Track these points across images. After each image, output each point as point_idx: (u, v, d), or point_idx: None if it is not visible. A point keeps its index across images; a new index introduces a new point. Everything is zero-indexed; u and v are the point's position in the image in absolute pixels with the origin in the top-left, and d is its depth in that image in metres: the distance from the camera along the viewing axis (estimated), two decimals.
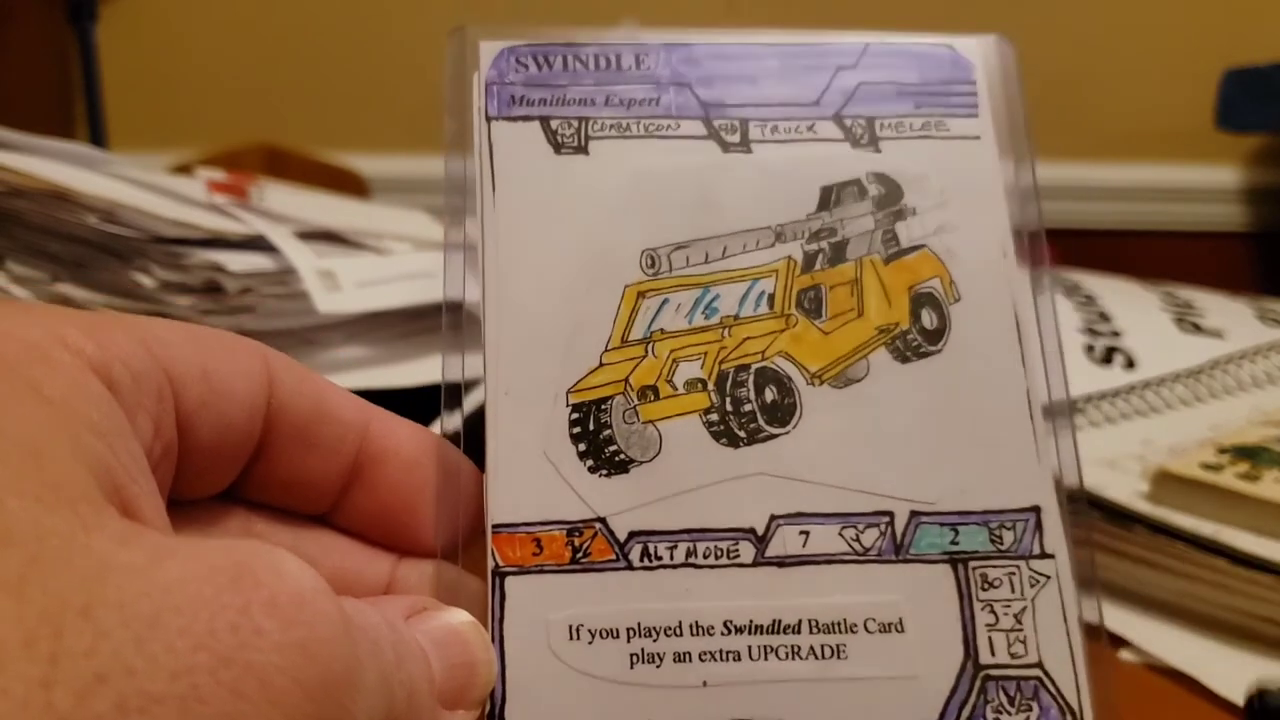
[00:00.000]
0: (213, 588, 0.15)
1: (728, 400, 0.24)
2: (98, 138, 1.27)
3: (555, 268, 0.25)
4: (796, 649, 0.23)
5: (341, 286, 0.51)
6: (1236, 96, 1.20)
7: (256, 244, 0.51)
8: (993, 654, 0.23)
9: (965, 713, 0.22)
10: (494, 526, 0.23)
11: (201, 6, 1.39)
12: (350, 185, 1.07)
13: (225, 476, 0.22)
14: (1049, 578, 0.23)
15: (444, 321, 0.24)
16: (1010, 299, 0.25)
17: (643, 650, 0.22)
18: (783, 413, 0.24)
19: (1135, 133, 1.32)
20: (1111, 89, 1.31)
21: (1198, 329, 0.56)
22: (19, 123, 0.53)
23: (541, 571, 0.23)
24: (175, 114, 1.37)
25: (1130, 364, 0.52)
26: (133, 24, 1.36)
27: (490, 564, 0.23)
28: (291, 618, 0.16)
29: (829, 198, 0.26)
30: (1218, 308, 0.60)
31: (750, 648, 0.22)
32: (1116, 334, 0.55)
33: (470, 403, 0.24)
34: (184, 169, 0.76)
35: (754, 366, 0.24)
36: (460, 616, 0.21)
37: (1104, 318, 0.57)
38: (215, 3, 1.39)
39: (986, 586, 0.23)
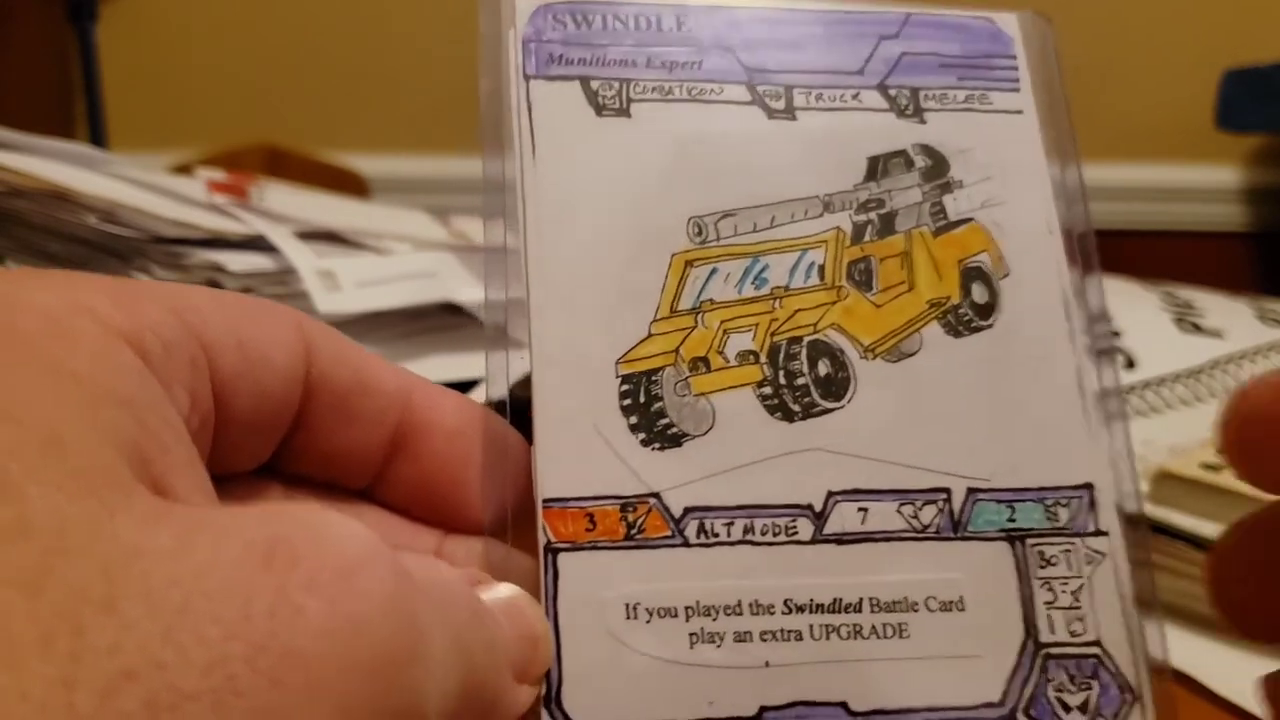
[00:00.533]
0: (247, 567, 0.14)
1: (781, 373, 0.23)
2: (98, 138, 1.27)
3: (600, 234, 0.24)
4: (858, 628, 0.22)
5: (341, 286, 0.51)
6: (1236, 96, 1.20)
7: (256, 244, 0.51)
8: (1052, 632, 0.23)
9: (1027, 691, 0.22)
10: (545, 501, 0.22)
11: (201, 6, 1.38)
12: (350, 185, 1.07)
13: (263, 449, 0.21)
14: (1104, 555, 0.23)
15: (486, 289, 0.23)
16: (1057, 275, 0.25)
17: (702, 630, 0.22)
18: (836, 387, 0.24)
19: (1135, 133, 1.32)
20: (1111, 89, 1.31)
21: (1198, 329, 0.56)
22: (19, 123, 0.53)
23: (595, 548, 0.22)
24: (175, 114, 1.37)
25: (1130, 364, 0.52)
26: (133, 24, 1.36)
27: (542, 540, 0.22)
28: (336, 593, 0.14)
29: (876, 168, 0.25)
30: (1218, 308, 0.60)
31: (812, 627, 0.22)
32: (1116, 334, 0.55)
33: (513, 374, 0.23)
34: (184, 169, 0.76)
35: (806, 339, 0.24)
36: (515, 589, 0.21)
37: None
38: (215, 3, 1.39)
39: (1044, 564, 0.23)
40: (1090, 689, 0.22)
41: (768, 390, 0.23)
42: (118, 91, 1.32)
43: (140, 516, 0.14)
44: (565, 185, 0.24)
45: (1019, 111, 0.26)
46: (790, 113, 0.25)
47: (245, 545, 0.14)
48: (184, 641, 0.13)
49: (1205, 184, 1.37)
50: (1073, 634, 0.23)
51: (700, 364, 0.23)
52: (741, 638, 0.22)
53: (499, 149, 0.24)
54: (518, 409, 0.23)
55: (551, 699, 0.21)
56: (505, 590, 0.20)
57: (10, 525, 0.13)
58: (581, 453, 0.22)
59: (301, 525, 0.15)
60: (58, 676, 0.12)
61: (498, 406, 0.23)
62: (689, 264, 0.24)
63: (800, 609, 0.22)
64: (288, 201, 0.62)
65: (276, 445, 0.22)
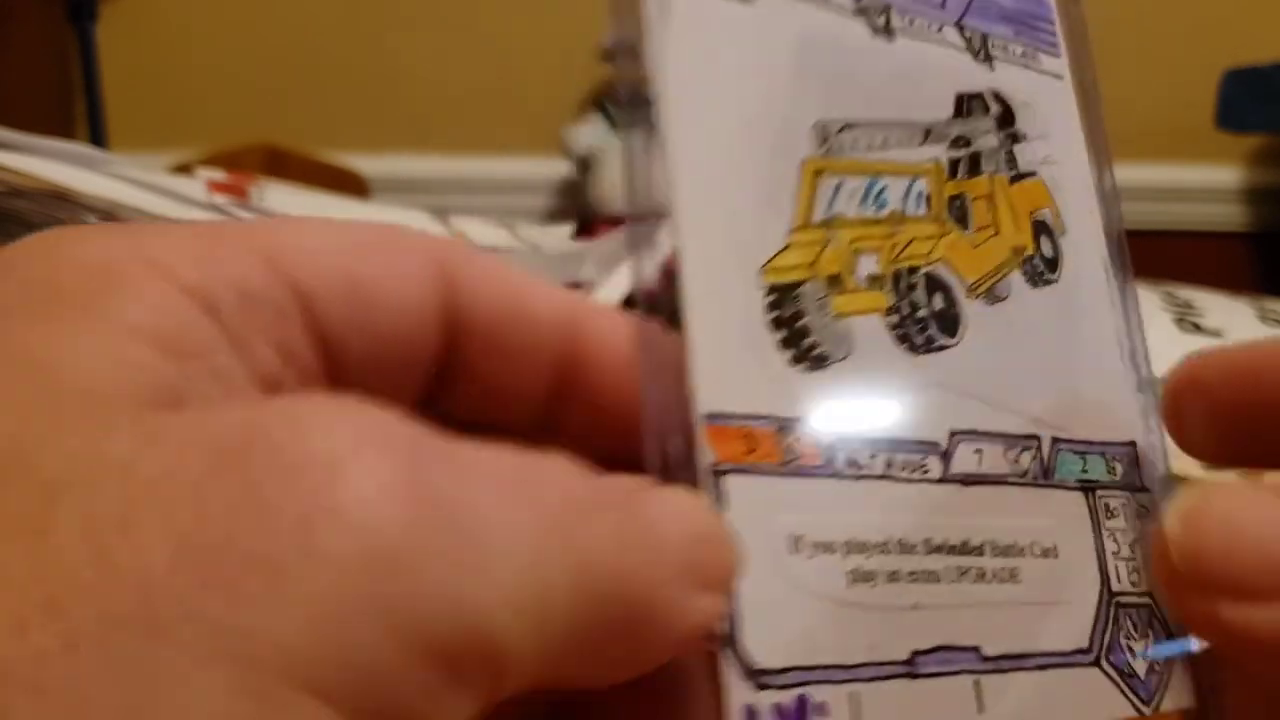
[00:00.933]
0: (210, 468, 0.12)
1: (905, 302, 0.22)
2: (98, 137, 1.27)
3: (737, 130, 0.21)
4: (982, 572, 0.21)
5: None
6: (1237, 96, 1.20)
7: None
8: (1119, 580, 0.23)
9: (1106, 638, 0.22)
10: (706, 416, 0.19)
11: (201, 6, 1.38)
12: (350, 185, 1.07)
13: (401, 394, 0.18)
14: (1149, 510, 0.24)
15: (627, 189, 0.20)
16: (1100, 241, 0.25)
17: (858, 568, 0.20)
18: (949, 323, 0.23)
19: (1135, 133, 1.32)
20: (1111, 89, 1.31)
21: (1198, 329, 0.56)
22: (19, 122, 0.53)
23: (758, 472, 0.19)
24: (175, 114, 1.37)
25: None
26: (133, 23, 1.36)
27: (706, 459, 0.19)
28: (318, 483, 0.12)
29: (962, 106, 0.25)
30: (1218, 308, 0.60)
31: (947, 568, 0.21)
32: None
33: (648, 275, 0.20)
34: (184, 169, 0.76)
35: (922, 269, 0.23)
36: (680, 490, 0.17)
37: None
38: (215, 2, 1.39)
39: (1109, 515, 0.23)
40: (1148, 636, 0.23)
41: (894, 319, 0.22)
42: (117, 91, 1.32)
43: (100, 423, 0.13)
44: (696, 72, 0.21)
45: (1060, 77, 0.26)
46: (889, 32, 0.24)
47: (213, 443, 0.13)
48: (119, 562, 0.11)
49: (1205, 184, 1.38)
50: (1133, 584, 0.23)
51: (835, 283, 0.21)
52: (893, 578, 0.20)
53: (635, 23, 0.21)
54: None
55: (728, 640, 0.18)
56: (673, 494, 0.17)
57: None
58: (735, 366, 0.20)
59: (284, 413, 0.13)
60: None
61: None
62: (818, 173, 0.22)
63: (937, 549, 0.21)
64: (288, 202, 0.62)
65: (419, 389, 0.19)
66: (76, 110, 1.32)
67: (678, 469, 0.19)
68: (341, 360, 0.17)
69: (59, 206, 0.48)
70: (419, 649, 0.13)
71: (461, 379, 0.19)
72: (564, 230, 0.90)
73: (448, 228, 0.67)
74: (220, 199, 0.57)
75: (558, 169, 1.32)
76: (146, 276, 0.15)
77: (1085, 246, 0.25)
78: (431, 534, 0.13)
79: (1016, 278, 0.24)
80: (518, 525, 0.14)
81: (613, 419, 0.20)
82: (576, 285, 0.61)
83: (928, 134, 0.24)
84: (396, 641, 0.12)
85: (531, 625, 0.14)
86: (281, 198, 0.62)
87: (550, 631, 0.14)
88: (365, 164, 1.21)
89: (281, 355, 0.16)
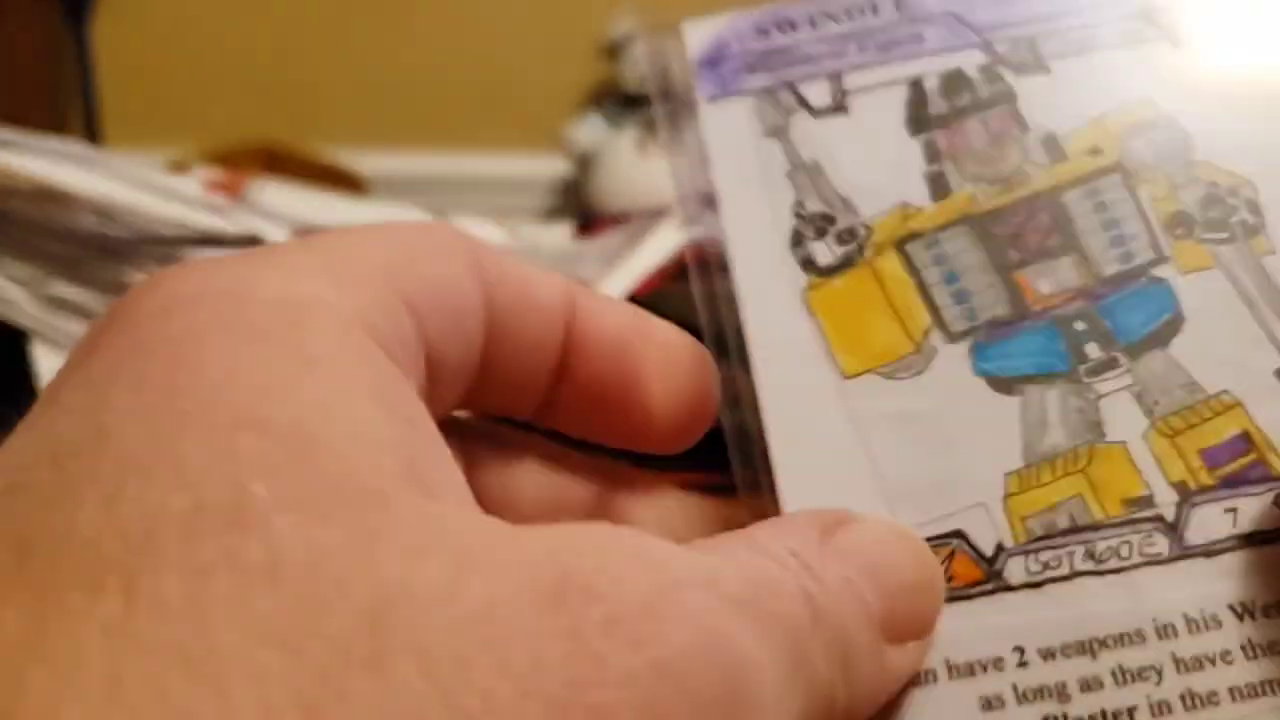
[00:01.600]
0: (534, 608, 0.12)
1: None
2: (93, 136, 1.27)
3: None
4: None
5: None
6: None
7: (253, 243, 0.51)
8: None
9: None
10: None
11: (198, 4, 1.38)
12: (348, 183, 1.06)
13: (457, 402, 0.19)
14: None
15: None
16: None
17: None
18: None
19: None
20: None
21: None
22: (13, 120, 0.53)
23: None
24: (171, 112, 1.37)
25: None
26: (128, 21, 1.35)
27: None
28: (639, 635, 0.12)
29: None
30: None
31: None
32: None
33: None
34: (180, 167, 0.75)
35: None
36: (879, 524, 0.18)
37: None
38: (211, 1, 1.38)
39: None
40: None
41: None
42: (113, 89, 1.32)
43: (405, 544, 0.12)
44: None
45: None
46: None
47: (529, 581, 0.12)
48: (468, 703, 0.11)
49: None
50: None
51: None
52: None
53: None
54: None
55: None
56: (868, 531, 0.17)
57: (260, 568, 0.11)
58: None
59: (595, 553, 0.13)
60: None
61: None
62: None
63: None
64: (285, 200, 0.62)
65: (461, 395, 0.19)
66: (71, 108, 1.32)
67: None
68: (438, 375, 0.17)
69: (53, 205, 0.48)
70: None
71: (480, 377, 0.19)
72: (564, 229, 0.90)
73: None
74: (216, 198, 0.57)
75: (557, 167, 1.32)
76: (328, 316, 0.14)
77: None
78: (735, 688, 0.13)
79: None
80: (778, 664, 0.14)
81: (607, 399, 0.20)
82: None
83: None
84: None
85: None
86: (278, 196, 0.62)
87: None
88: (363, 162, 1.21)
89: (418, 382, 0.16)
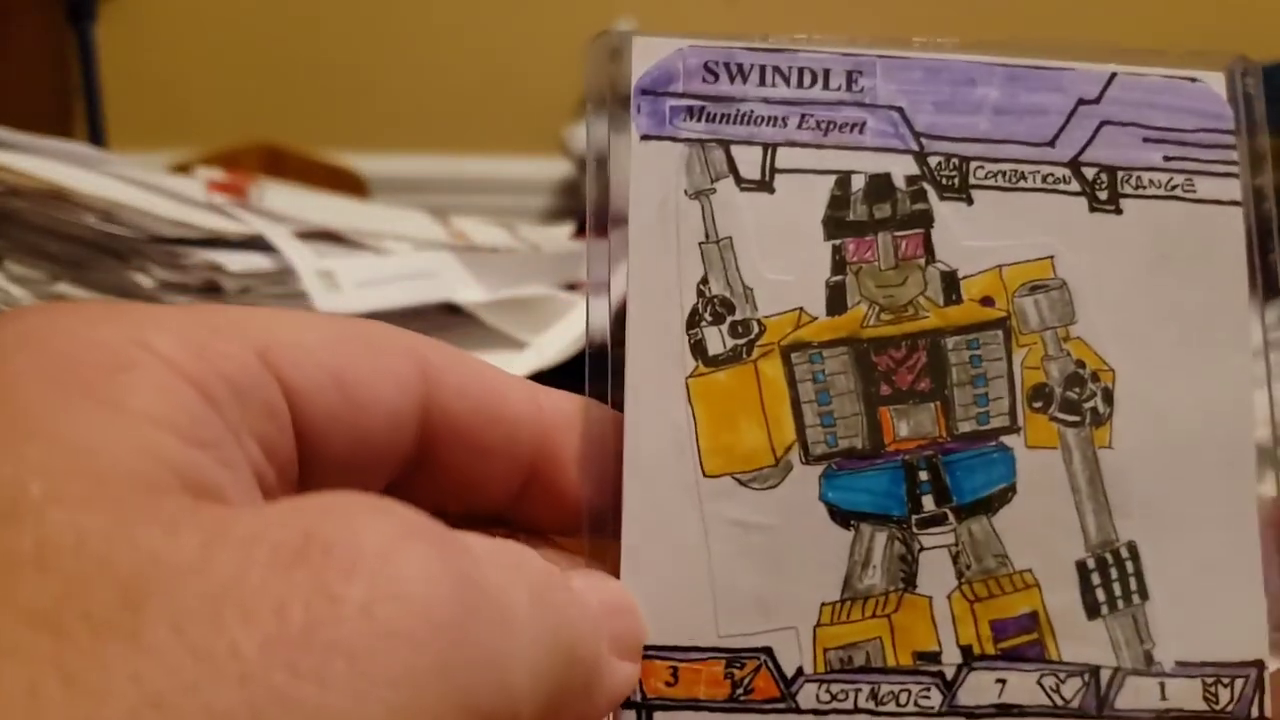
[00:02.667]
0: (279, 568, 0.13)
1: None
2: (97, 137, 1.27)
3: None
4: None
5: (341, 287, 0.51)
6: None
7: (255, 244, 0.51)
8: None
9: None
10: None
11: (200, 6, 1.38)
12: (350, 185, 1.06)
13: (370, 486, 0.19)
14: None
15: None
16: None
17: None
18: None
19: None
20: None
21: None
22: (18, 122, 0.53)
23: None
24: (174, 113, 1.36)
25: None
26: (131, 23, 1.35)
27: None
28: (375, 574, 0.13)
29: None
30: None
31: None
32: None
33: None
34: (183, 168, 0.76)
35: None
36: (600, 574, 0.20)
37: None
38: (214, 2, 1.39)
39: None
40: None
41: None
42: (116, 91, 1.32)
43: (163, 524, 0.13)
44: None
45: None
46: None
47: (273, 546, 0.13)
48: (216, 657, 0.12)
49: None
50: None
51: None
52: None
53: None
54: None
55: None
56: (589, 572, 0.20)
57: (28, 557, 0.13)
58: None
59: (330, 514, 0.14)
60: (81, 716, 0.12)
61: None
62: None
63: None
64: (287, 201, 0.62)
65: (385, 484, 0.20)
66: (75, 110, 1.32)
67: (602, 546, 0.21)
68: (321, 455, 0.18)
69: (57, 206, 0.48)
70: (472, 713, 0.14)
71: (432, 474, 0.20)
72: (564, 230, 0.90)
73: (448, 227, 0.67)
74: (219, 198, 0.57)
75: (558, 169, 1.32)
76: (153, 365, 0.15)
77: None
78: (473, 609, 0.14)
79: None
80: (520, 601, 0.15)
81: (566, 510, 0.21)
82: (575, 286, 0.61)
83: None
84: (457, 707, 0.14)
85: (533, 687, 0.15)
86: (281, 197, 0.62)
87: (542, 691, 0.15)
88: (365, 163, 1.20)
89: (265, 450, 0.17)
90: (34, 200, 0.48)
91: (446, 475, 0.20)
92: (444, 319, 0.56)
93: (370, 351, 0.19)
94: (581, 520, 0.21)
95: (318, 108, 1.37)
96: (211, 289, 0.48)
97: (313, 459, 0.18)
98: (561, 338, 0.53)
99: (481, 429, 0.20)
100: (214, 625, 0.12)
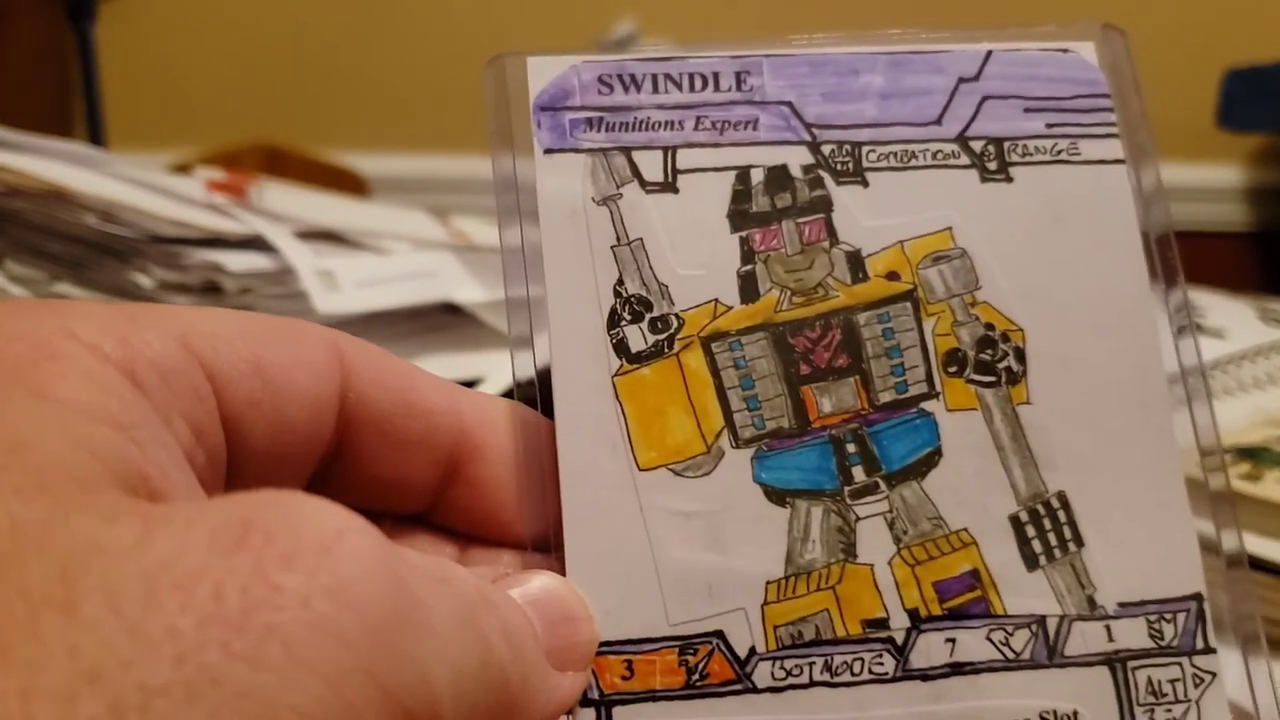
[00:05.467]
0: (217, 552, 0.13)
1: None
2: (96, 137, 1.27)
3: None
4: None
5: (341, 286, 0.51)
6: (1238, 95, 1.20)
7: (255, 244, 0.51)
8: None
9: None
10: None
11: (200, 6, 1.38)
12: (350, 185, 1.07)
13: (291, 482, 0.20)
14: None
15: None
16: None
17: None
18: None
19: None
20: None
21: (1199, 329, 0.56)
22: (18, 122, 0.53)
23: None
24: (174, 113, 1.37)
25: None
26: (131, 23, 1.36)
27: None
28: (314, 564, 0.14)
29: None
30: (1218, 307, 0.60)
31: None
32: None
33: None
34: (183, 168, 0.76)
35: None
36: (548, 576, 0.20)
37: None
38: (214, 2, 1.39)
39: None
40: None
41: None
42: (116, 91, 1.32)
43: (102, 512, 0.13)
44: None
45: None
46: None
47: (213, 530, 0.13)
48: (152, 635, 0.12)
49: (1206, 183, 1.37)
50: None
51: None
52: None
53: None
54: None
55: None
56: (536, 580, 0.20)
57: None
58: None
59: (272, 504, 0.14)
60: (16, 688, 0.12)
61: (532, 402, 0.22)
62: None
63: None
64: (287, 201, 0.62)
65: (308, 476, 0.20)
66: (75, 110, 1.32)
67: (545, 549, 0.21)
68: (245, 441, 0.18)
69: (57, 206, 0.48)
70: (395, 713, 0.14)
71: (351, 466, 0.21)
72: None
73: (448, 227, 0.67)
74: (219, 198, 0.57)
75: None
76: (79, 354, 0.16)
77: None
78: (404, 616, 0.14)
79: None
80: (448, 613, 0.16)
81: (495, 507, 0.21)
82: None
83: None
84: (382, 705, 0.14)
85: (455, 704, 0.15)
86: (280, 197, 0.62)
87: (465, 706, 0.16)
88: (365, 163, 1.21)
89: (194, 432, 0.17)
90: (34, 200, 0.48)
91: (367, 468, 0.21)
92: (444, 319, 0.56)
93: (286, 340, 0.19)
94: (514, 523, 0.21)
95: (318, 108, 1.37)
96: (211, 289, 0.48)
97: (237, 446, 0.18)
98: None
99: (399, 419, 0.20)
100: (151, 604, 0.13)
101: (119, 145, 1.24)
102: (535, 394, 0.22)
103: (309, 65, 1.37)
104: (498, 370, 0.48)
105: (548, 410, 0.21)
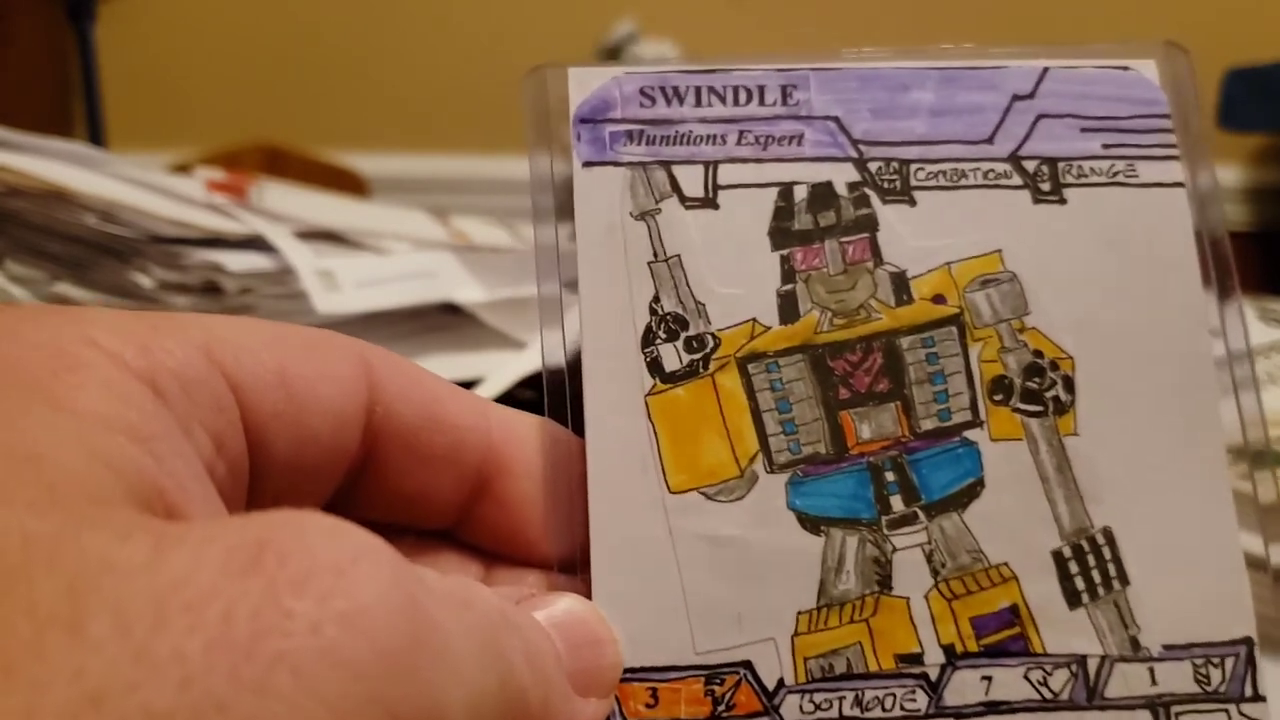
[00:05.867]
0: (229, 574, 0.13)
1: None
2: (96, 137, 1.27)
3: None
4: None
5: (341, 286, 0.51)
6: (1238, 96, 1.20)
7: (255, 244, 0.51)
8: None
9: None
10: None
11: (200, 6, 1.38)
12: (350, 185, 1.07)
13: (314, 495, 0.20)
14: None
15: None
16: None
17: None
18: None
19: None
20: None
21: None
22: (18, 122, 0.53)
23: None
24: (174, 113, 1.37)
25: None
26: (131, 23, 1.36)
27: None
28: (327, 590, 0.13)
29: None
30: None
31: None
32: None
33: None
34: (183, 168, 0.76)
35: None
36: (574, 598, 0.19)
37: None
38: (214, 2, 1.39)
39: None
40: None
41: None
42: (116, 91, 1.32)
43: (115, 530, 0.13)
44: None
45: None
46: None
47: (227, 551, 0.13)
48: (158, 658, 0.12)
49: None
50: None
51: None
52: None
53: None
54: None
55: None
56: (562, 602, 0.19)
57: None
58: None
59: (287, 525, 0.14)
60: (19, 707, 0.12)
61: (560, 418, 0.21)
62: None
63: None
64: (287, 201, 0.62)
65: (332, 490, 0.20)
66: (75, 110, 1.32)
67: (571, 570, 0.21)
68: (268, 454, 0.18)
69: (57, 206, 0.48)
70: None
71: (377, 481, 0.20)
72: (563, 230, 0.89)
73: (448, 227, 0.67)
74: (219, 198, 0.57)
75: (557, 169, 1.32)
76: (100, 363, 0.16)
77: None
78: (420, 641, 0.14)
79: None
80: (467, 636, 0.15)
81: (522, 525, 0.21)
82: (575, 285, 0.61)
83: None
84: None
85: (472, 716, 0.15)
86: (280, 197, 0.62)
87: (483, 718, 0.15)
88: (365, 163, 1.21)
89: (215, 443, 0.17)
90: (34, 200, 0.48)
91: (392, 483, 0.20)
92: (444, 319, 0.56)
93: (312, 353, 0.19)
94: (540, 542, 0.21)
95: (318, 108, 1.37)
96: (211, 289, 0.48)
97: (260, 458, 0.18)
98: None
99: (426, 434, 0.20)
100: (159, 625, 0.12)
101: (119, 145, 1.24)
102: (565, 411, 0.21)
103: (309, 65, 1.37)
104: (498, 370, 0.48)
105: (577, 426, 0.21)
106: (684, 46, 1.28)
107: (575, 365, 0.22)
